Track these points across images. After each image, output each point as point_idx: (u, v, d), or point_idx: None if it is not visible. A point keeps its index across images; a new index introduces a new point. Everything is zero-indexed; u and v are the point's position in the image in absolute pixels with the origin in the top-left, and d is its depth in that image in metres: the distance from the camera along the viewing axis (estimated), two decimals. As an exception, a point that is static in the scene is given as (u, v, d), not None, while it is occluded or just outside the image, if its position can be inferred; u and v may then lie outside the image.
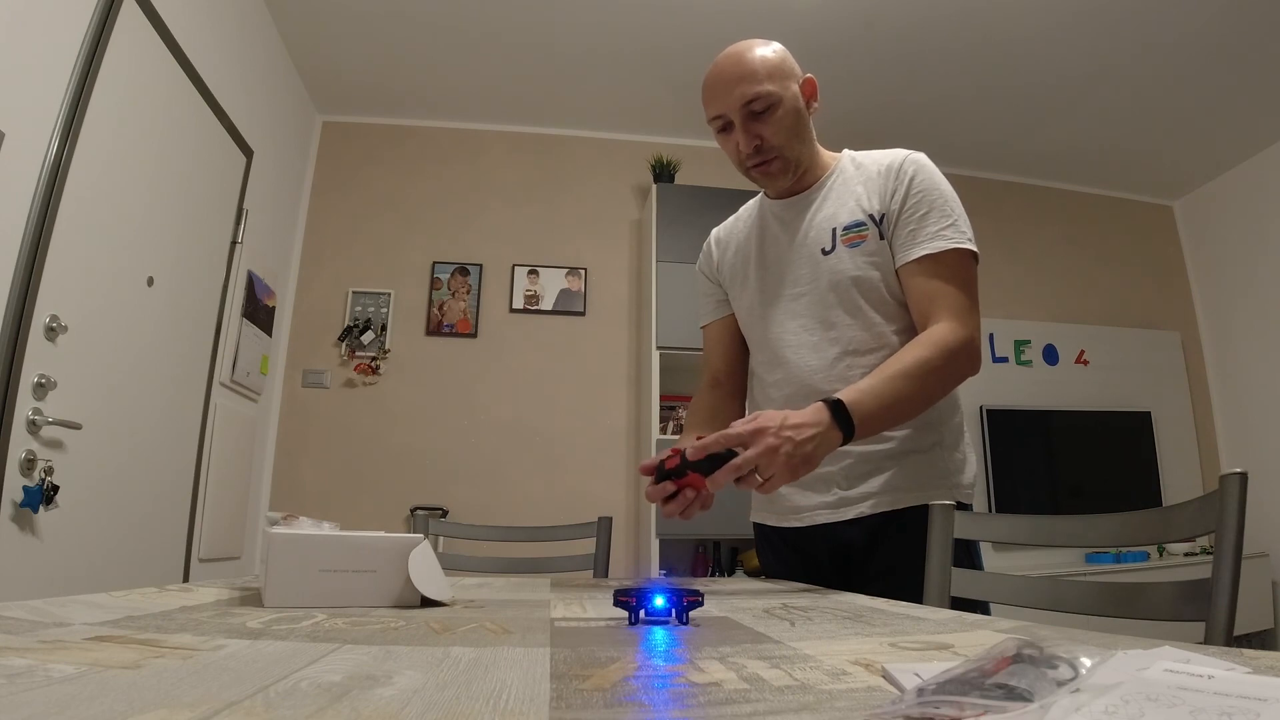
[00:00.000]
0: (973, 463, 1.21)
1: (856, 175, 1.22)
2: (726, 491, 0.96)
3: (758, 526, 1.33)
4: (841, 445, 0.98)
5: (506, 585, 1.05)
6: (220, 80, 2.43)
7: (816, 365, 1.18)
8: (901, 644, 0.54)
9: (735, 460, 0.91)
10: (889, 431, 1.12)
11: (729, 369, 1.37)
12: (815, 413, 0.96)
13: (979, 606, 1.04)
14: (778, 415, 0.94)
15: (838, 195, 1.22)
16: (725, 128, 1.18)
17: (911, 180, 1.16)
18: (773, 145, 1.16)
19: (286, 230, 3.27)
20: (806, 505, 1.19)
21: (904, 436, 1.15)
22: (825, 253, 1.20)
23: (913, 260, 1.13)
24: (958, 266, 1.12)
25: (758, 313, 1.28)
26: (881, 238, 1.17)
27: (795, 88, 1.17)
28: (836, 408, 0.96)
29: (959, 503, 1.12)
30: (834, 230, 1.20)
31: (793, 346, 1.22)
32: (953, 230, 1.13)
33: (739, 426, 0.94)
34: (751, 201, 1.37)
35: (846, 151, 1.28)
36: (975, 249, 1.14)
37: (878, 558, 1.15)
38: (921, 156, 1.19)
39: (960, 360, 1.08)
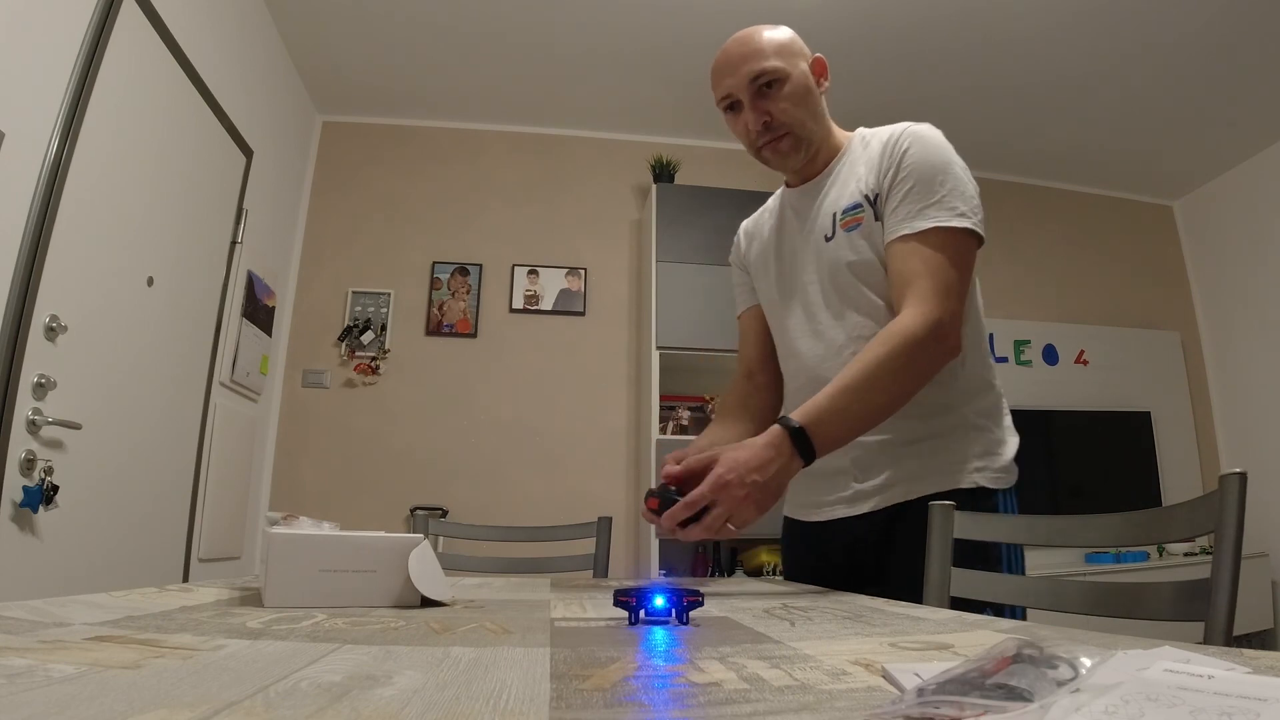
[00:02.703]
0: (1010, 445, 1.13)
1: (862, 155, 1.17)
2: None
3: (785, 520, 1.31)
4: (804, 468, 0.97)
5: (506, 585, 1.05)
6: (220, 80, 2.43)
7: (823, 354, 1.16)
8: (901, 644, 0.54)
9: (688, 498, 0.92)
10: (899, 420, 1.08)
11: (762, 359, 1.34)
12: (775, 446, 0.94)
13: (1013, 611, 1.00)
14: (739, 461, 0.92)
15: (843, 179, 1.18)
16: (734, 106, 1.16)
17: (904, 154, 1.10)
18: (782, 121, 1.13)
19: (286, 230, 3.27)
20: (826, 500, 1.18)
21: (916, 422, 1.10)
22: (827, 239, 1.17)
23: (893, 239, 1.08)
24: (940, 245, 1.05)
25: (777, 304, 1.27)
26: (877, 219, 1.12)
27: (804, 65, 1.15)
28: (798, 436, 0.95)
29: (983, 488, 1.08)
30: (834, 215, 1.17)
31: (802, 336, 1.20)
32: (937, 208, 1.06)
33: (698, 464, 0.95)
34: (776, 193, 1.35)
35: (860, 130, 1.23)
36: (967, 225, 1.06)
37: (899, 553, 1.10)
38: (923, 128, 1.13)
39: (926, 348, 1.01)
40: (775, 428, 0.96)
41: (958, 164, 1.10)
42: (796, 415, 0.97)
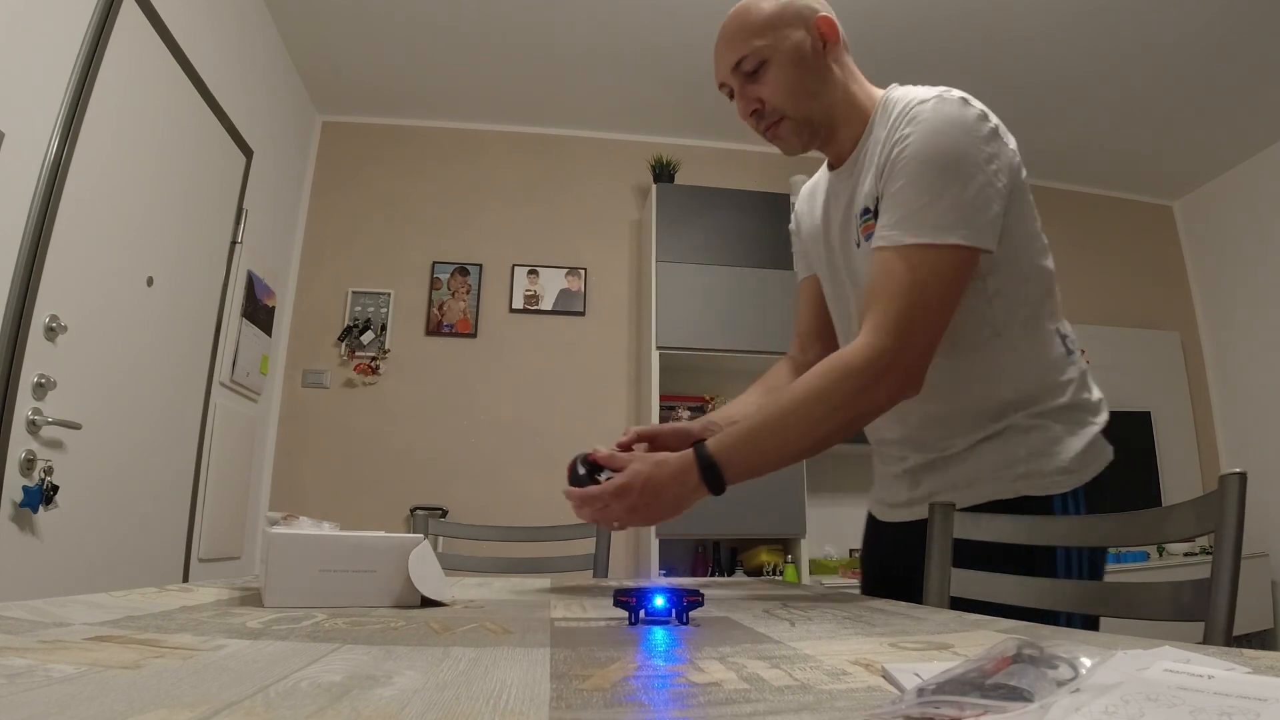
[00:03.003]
0: (1073, 441, 1.00)
1: (883, 136, 1.02)
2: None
3: (867, 515, 1.29)
4: (715, 495, 0.95)
5: (506, 585, 1.05)
6: (220, 80, 2.43)
7: None
8: (901, 644, 0.54)
9: (588, 491, 0.95)
10: (942, 431, 1.04)
11: (815, 331, 1.25)
12: (682, 474, 0.93)
13: (1069, 618, 0.93)
14: (641, 476, 0.93)
15: (865, 167, 1.05)
16: (732, 96, 1.08)
17: (902, 145, 0.96)
18: (774, 106, 1.04)
19: (286, 230, 3.27)
20: (890, 501, 1.17)
21: (964, 427, 1.04)
22: (858, 246, 1.07)
23: (873, 248, 0.97)
24: (915, 263, 0.91)
25: (831, 298, 1.20)
26: None
27: (798, 35, 1.02)
28: (708, 472, 0.92)
29: (1027, 497, 0.99)
30: (856, 218, 1.06)
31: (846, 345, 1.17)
32: (919, 219, 0.92)
33: (619, 460, 0.97)
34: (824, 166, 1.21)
35: (891, 89, 1.06)
36: (952, 241, 0.90)
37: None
38: (928, 109, 0.96)
39: (866, 385, 0.91)
40: (690, 455, 0.93)
41: (969, 153, 0.93)
42: (713, 445, 0.93)
